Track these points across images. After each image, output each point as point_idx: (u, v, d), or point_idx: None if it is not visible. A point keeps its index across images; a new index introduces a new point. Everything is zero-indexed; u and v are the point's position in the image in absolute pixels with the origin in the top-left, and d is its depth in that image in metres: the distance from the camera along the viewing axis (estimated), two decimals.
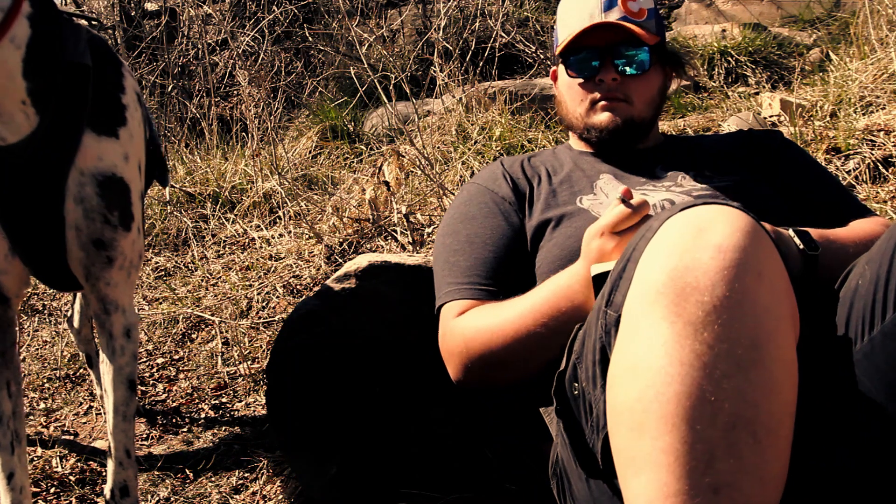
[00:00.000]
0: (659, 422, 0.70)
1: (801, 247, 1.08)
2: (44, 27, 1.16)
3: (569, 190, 1.34)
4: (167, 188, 3.38)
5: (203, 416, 2.06)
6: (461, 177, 2.80)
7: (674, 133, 2.97)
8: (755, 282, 0.73)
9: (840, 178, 2.32)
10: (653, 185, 1.32)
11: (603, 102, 1.36)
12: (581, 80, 1.38)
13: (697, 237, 0.75)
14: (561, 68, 1.42)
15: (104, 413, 2.12)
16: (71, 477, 1.80)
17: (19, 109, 1.15)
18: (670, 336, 0.72)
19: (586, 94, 1.37)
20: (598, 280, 1.02)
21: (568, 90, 1.41)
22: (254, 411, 2.04)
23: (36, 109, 1.16)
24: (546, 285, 1.15)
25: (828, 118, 2.64)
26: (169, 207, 3.34)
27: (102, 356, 1.33)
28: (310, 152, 3.70)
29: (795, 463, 0.73)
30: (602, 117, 1.36)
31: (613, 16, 1.33)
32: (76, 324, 2.09)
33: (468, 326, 1.19)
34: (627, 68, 1.34)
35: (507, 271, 1.28)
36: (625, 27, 1.31)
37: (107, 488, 1.33)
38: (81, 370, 2.39)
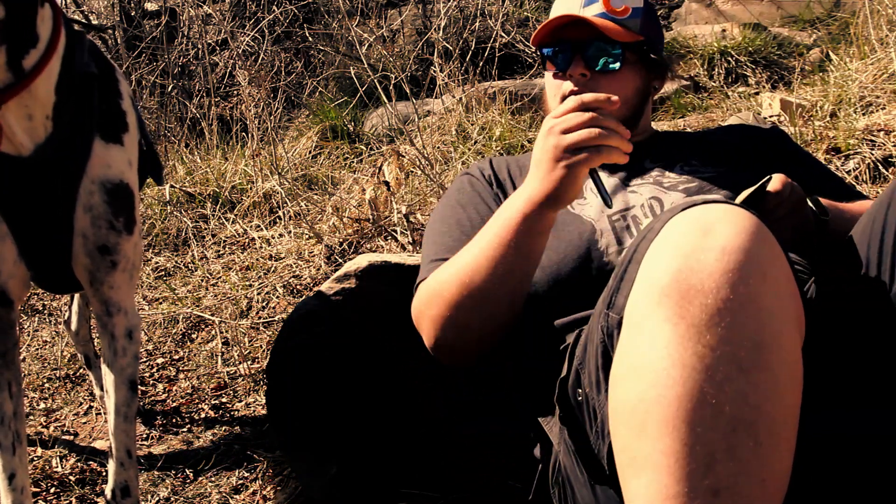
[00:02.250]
0: (660, 423, 0.70)
1: (815, 210, 1.13)
2: (69, 37, 1.17)
3: None
4: (167, 188, 3.39)
5: (203, 416, 2.06)
6: None
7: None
8: (759, 284, 0.73)
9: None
10: (640, 179, 1.31)
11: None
12: (553, 74, 1.35)
13: (702, 238, 0.74)
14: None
15: (104, 413, 2.12)
16: (71, 477, 1.80)
17: (42, 123, 1.16)
18: (673, 338, 0.72)
19: (558, 88, 1.34)
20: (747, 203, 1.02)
21: (547, 84, 1.39)
22: (254, 411, 2.04)
23: (53, 120, 1.17)
24: (496, 214, 1.15)
25: (828, 118, 2.64)
26: (169, 207, 3.34)
27: (104, 357, 1.33)
28: (310, 152, 3.69)
29: (802, 461, 0.73)
30: None
31: (592, 11, 1.29)
32: (74, 325, 2.09)
33: (432, 283, 1.20)
34: (597, 66, 1.30)
35: None
36: (596, 24, 1.27)
37: (108, 488, 1.33)
38: (81, 370, 2.39)
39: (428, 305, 1.20)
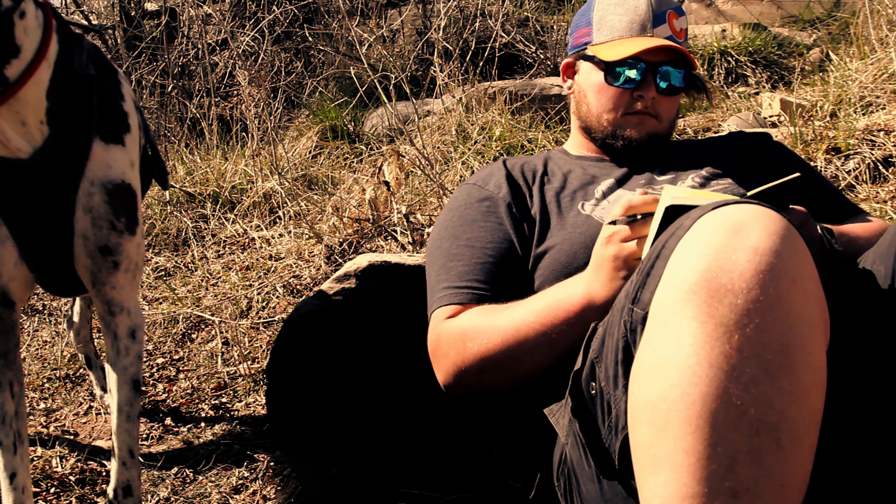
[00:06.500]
0: (682, 422, 0.70)
1: (828, 239, 1.12)
2: (64, 42, 1.18)
3: (570, 196, 1.34)
4: (167, 188, 3.38)
5: (203, 416, 2.06)
6: (461, 177, 2.80)
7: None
8: (789, 287, 0.72)
9: (840, 178, 2.32)
10: (653, 189, 1.32)
11: (638, 116, 1.37)
12: (619, 90, 1.37)
13: (733, 238, 0.74)
14: (587, 66, 1.41)
15: (105, 413, 2.13)
16: (71, 477, 1.80)
17: (37, 127, 1.17)
18: (700, 336, 0.71)
19: (620, 102, 1.37)
20: (669, 213, 0.95)
21: (598, 93, 1.39)
22: (254, 411, 2.04)
23: (48, 123, 1.18)
24: (552, 291, 1.12)
25: (828, 118, 2.64)
26: (169, 207, 3.34)
27: (107, 356, 1.34)
28: (310, 152, 3.69)
29: (819, 464, 0.73)
30: (633, 129, 1.37)
31: (663, 33, 1.35)
32: (75, 325, 2.10)
33: (466, 327, 1.17)
34: (664, 86, 1.36)
35: (506, 277, 1.26)
36: (674, 48, 1.32)
37: (110, 488, 1.33)
38: (81, 370, 2.40)
39: (456, 350, 1.17)
